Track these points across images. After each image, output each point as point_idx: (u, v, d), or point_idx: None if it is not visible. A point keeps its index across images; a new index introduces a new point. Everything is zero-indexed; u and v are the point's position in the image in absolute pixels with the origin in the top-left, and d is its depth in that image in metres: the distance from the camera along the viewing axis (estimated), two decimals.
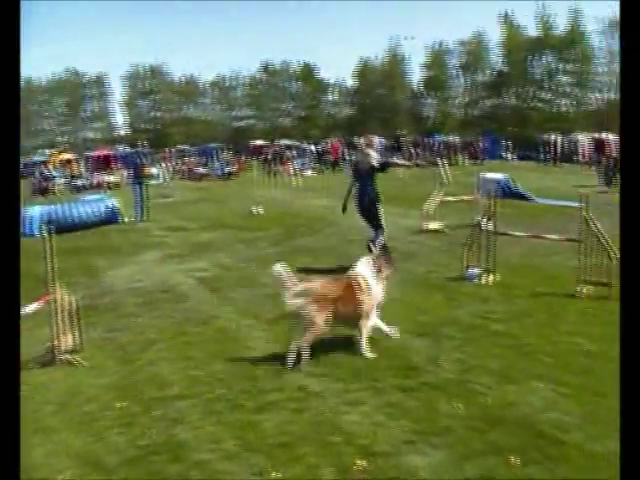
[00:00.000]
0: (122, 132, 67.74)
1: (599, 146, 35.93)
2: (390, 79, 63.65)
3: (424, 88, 64.10)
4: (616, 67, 54.64)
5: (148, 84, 66.97)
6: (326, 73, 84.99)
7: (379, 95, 63.58)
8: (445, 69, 63.23)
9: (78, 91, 66.86)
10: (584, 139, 40.02)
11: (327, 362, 5.72)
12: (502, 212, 9.33)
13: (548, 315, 6.89)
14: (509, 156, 42.12)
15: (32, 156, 45.04)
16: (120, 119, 68.70)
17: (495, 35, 60.94)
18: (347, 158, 38.67)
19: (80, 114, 67.59)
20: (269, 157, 36.73)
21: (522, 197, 17.50)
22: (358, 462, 3.93)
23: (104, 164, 40.09)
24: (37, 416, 4.97)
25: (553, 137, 40.90)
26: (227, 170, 36.47)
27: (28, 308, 6.11)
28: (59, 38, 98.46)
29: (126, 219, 17.36)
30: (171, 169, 39.08)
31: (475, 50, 61.54)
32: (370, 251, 9.39)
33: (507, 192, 16.75)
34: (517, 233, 9.23)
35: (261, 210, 17.54)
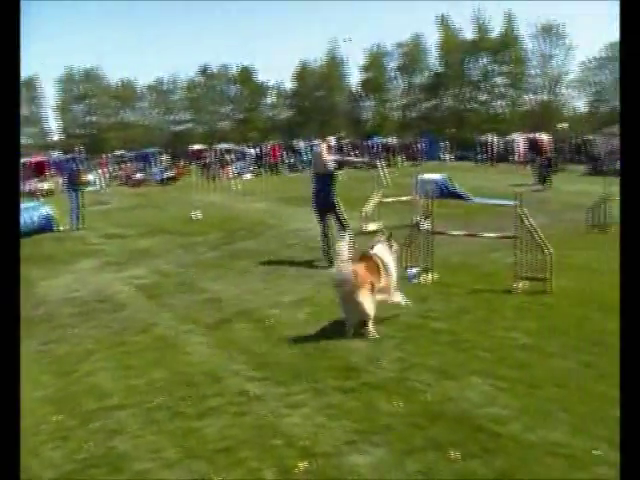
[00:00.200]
0: (56, 138, 65.88)
1: (534, 146, 37.14)
2: (329, 81, 64.19)
3: (363, 90, 64.85)
4: (548, 70, 56.85)
5: (82, 88, 65.39)
6: (265, 76, 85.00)
7: (318, 97, 64.06)
8: (383, 71, 64.12)
9: None
10: (519, 139, 41.09)
11: (268, 365, 5.70)
12: (440, 212, 9.49)
13: (486, 311, 7.04)
14: (447, 157, 42.84)
15: None
16: (54, 124, 66.93)
17: (433, 37, 62.37)
18: (286, 161, 38.74)
19: None
20: (208, 161, 36.39)
21: (459, 197, 17.84)
22: (299, 464, 3.93)
23: (37, 171, 38.84)
24: None
25: (489, 138, 41.91)
26: (166, 175, 35.91)
27: None
28: None
29: (61, 227, 16.88)
30: (108, 175, 38.19)
31: (413, 52, 62.67)
32: (326, 254, 10.00)
33: (445, 192, 17.11)
34: (455, 232, 9.41)
35: (200, 215, 17.34)
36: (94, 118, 65.94)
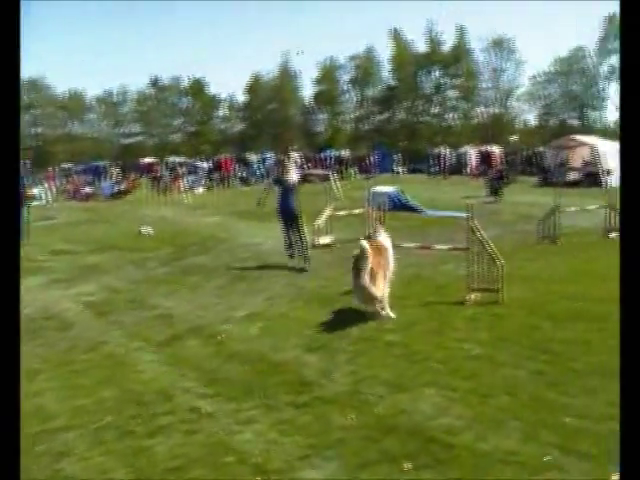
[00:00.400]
0: None
1: (485, 158, 37.85)
2: (281, 94, 64.29)
3: (315, 103, 65.16)
4: (499, 83, 58.36)
5: (27, 98, 63.85)
6: (217, 88, 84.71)
7: (270, 110, 64.12)
8: (336, 84, 64.57)
9: None
10: (471, 152, 41.68)
11: (220, 381, 5.63)
12: (392, 224, 9.55)
13: (438, 323, 7.08)
14: (400, 169, 43.15)
15: None
16: None
17: (385, 51, 63.13)
18: (239, 174, 38.55)
19: None
20: (159, 174, 35.92)
21: (412, 209, 18.03)
22: None
23: None
24: None
25: (442, 150, 42.44)
26: (116, 189, 35.23)
27: None
28: None
29: None
30: (55, 189, 37.24)
31: (366, 65, 63.30)
32: (292, 257, 11.06)
33: (397, 204, 17.23)
34: (407, 244, 9.46)
35: (151, 230, 17.06)
36: (40, 130, 64.42)
